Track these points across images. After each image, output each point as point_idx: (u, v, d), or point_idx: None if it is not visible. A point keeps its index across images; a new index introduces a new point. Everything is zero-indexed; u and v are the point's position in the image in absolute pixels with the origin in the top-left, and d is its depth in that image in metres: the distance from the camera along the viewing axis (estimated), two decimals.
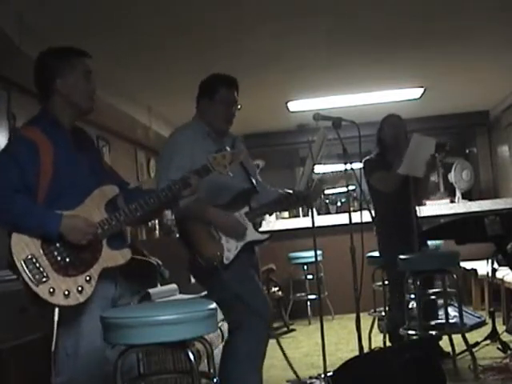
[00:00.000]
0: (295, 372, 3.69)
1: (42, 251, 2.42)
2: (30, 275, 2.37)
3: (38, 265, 2.39)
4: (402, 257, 4.29)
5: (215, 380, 2.47)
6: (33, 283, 2.37)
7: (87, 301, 2.46)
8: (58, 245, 2.44)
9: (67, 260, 2.45)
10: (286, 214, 8.06)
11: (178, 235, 3.43)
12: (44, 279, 2.38)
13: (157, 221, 6.51)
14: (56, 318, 2.43)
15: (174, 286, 4.70)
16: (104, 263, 2.51)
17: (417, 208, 4.67)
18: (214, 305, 2.38)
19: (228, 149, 2.87)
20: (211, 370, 2.54)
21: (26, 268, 2.37)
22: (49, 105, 2.61)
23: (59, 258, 2.44)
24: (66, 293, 2.40)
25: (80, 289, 2.42)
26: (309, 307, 7.19)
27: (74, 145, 2.60)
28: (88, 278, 2.46)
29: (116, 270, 2.62)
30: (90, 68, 2.66)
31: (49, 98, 2.61)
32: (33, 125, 2.58)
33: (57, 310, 2.43)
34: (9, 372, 3.21)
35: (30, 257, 2.39)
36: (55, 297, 2.38)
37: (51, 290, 2.38)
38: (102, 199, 2.57)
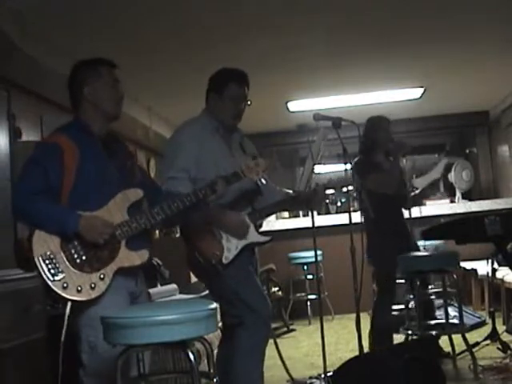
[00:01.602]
0: (289, 373, 3.69)
1: (60, 248, 2.56)
2: (45, 270, 2.52)
3: (54, 261, 2.53)
4: (402, 257, 4.29)
5: (215, 380, 2.47)
6: (47, 278, 2.52)
7: (109, 293, 2.57)
8: (75, 243, 2.57)
9: (83, 258, 2.57)
10: (286, 214, 8.06)
11: (179, 231, 3.43)
12: (59, 274, 2.52)
13: None
14: (67, 311, 2.59)
15: (173, 286, 4.70)
16: (120, 263, 2.61)
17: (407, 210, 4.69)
18: (214, 305, 2.38)
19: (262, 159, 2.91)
20: (211, 370, 2.54)
21: (42, 263, 2.52)
22: (80, 112, 2.74)
23: (76, 256, 2.57)
24: (79, 288, 2.53)
25: (93, 285, 2.55)
26: (309, 307, 7.19)
27: (102, 149, 2.71)
28: (102, 276, 2.57)
29: (138, 269, 2.71)
30: (117, 77, 2.79)
31: (80, 106, 2.74)
32: (60, 131, 2.72)
33: (69, 304, 2.58)
34: (9, 372, 3.21)
35: (48, 253, 2.53)
36: (68, 291, 2.52)
37: (65, 284, 2.52)
38: (124, 202, 2.67)
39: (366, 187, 4.51)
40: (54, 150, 2.60)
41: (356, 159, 4.60)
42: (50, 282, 2.52)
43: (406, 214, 4.68)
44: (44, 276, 2.52)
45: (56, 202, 2.60)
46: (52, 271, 2.52)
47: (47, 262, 2.52)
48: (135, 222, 2.64)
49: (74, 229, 2.54)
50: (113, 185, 2.67)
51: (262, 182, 2.97)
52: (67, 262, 2.55)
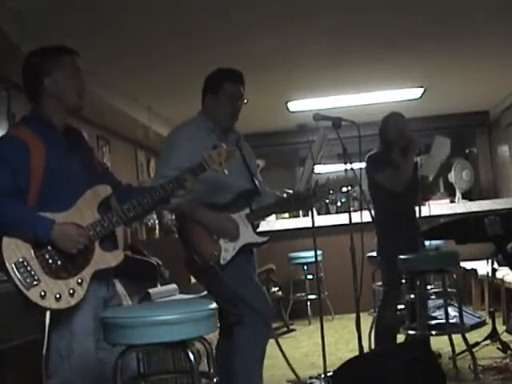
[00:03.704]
0: (295, 373, 3.70)
1: (33, 254, 2.39)
2: (20, 279, 2.34)
3: (29, 268, 2.37)
4: (402, 257, 4.29)
5: (215, 380, 2.47)
6: (24, 287, 2.35)
7: (79, 302, 2.44)
8: (49, 248, 2.42)
9: (59, 263, 2.42)
10: (285, 214, 8.06)
11: (177, 232, 3.43)
12: (35, 282, 2.36)
13: (157, 221, 6.51)
14: (47, 321, 2.38)
15: (173, 286, 4.71)
16: (96, 265, 2.48)
17: (416, 208, 4.65)
18: (214, 305, 2.38)
19: (224, 145, 2.81)
20: (211, 370, 2.54)
21: (16, 271, 2.35)
22: (39, 105, 2.58)
23: (51, 261, 2.41)
24: (58, 296, 2.38)
25: (72, 292, 2.40)
26: (309, 307, 7.19)
27: (66, 145, 2.57)
28: (80, 281, 2.43)
29: (109, 271, 2.60)
30: (78, 65, 2.62)
31: (39, 98, 2.58)
32: (24, 125, 2.55)
33: (48, 313, 2.38)
34: (9, 372, 3.21)
35: (21, 260, 2.36)
36: (46, 300, 2.36)
37: (42, 293, 2.36)
38: (94, 200, 2.54)
39: (375, 183, 4.52)
40: (22, 148, 2.42)
41: (371, 153, 4.60)
42: (26, 292, 2.33)
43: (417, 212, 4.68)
44: (19, 285, 2.33)
45: (24, 203, 2.42)
46: (28, 280, 2.34)
47: (22, 270, 2.34)
48: (107, 221, 2.50)
49: (47, 236, 2.38)
50: (79, 181, 2.53)
51: (225, 173, 2.88)
52: (42, 269, 2.37)
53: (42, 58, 2.58)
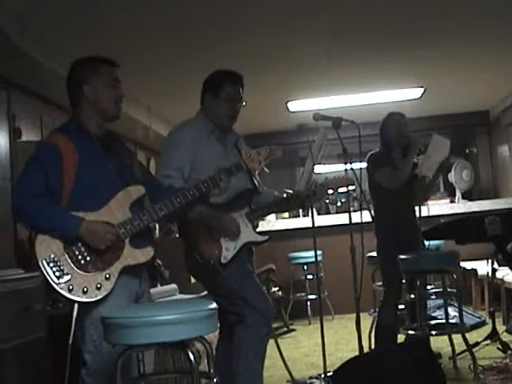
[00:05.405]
0: (291, 374, 3.70)
1: (63, 250, 2.55)
2: (50, 273, 2.51)
3: (59, 263, 2.53)
4: (402, 257, 4.29)
5: (215, 380, 2.47)
6: (53, 280, 2.51)
7: (113, 293, 2.56)
8: (79, 244, 2.56)
9: (87, 258, 2.56)
10: (285, 214, 8.06)
11: (178, 231, 3.44)
12: (64, 277, 2.52)
13: None
14: (75, 313, 2.57)
15: (173, 286, 4.70)
16: (125, 261, 2.60)
17: (416, 208, 4.64)
18: (214, 305, 2.38)
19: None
20: (211, 370, 2.54)
21: (46, 266, 2.52)
22: (77, 112, 2.72)
23: (80, 257, 2.56)
24: (85, 289, 2.52)
25: (99, 286, 2.54)
26: (309, 307, 7.20)
27: (101, 149, 2.69)
28: (108, 276, 2.56)
29: (140, 267, 2.70)
30: (117, 76, 2.76)
31: (78, 105, 2.72)
32: (58, 131, 2.71)
33: (76, 305, 2.57)
34: (9, 372, 3.21)
35: (52, 256, 2.52)
36: (74, 293, 2.52)
37: (70, 286, 2.52)
38: (126, 200, 2.65)
39: (374, 181, 4.50)
40: (55, 152, 2.57)
41: (371, 152, 4.59)
42: (55, 285, 2.51)
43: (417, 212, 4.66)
44: (49, 279, 2.51)
45: (56, 204, 2.58)
46: (57, 274, 2.51)
47: (51, 264, 2.51)
48: (138, 220, 2.62)
49: (75, 233, 2.53)
50: (112, 184, 2.65)
51: (266, 171, 2.92)
52: (72, 264, 2.54)
53: (83, 67, 2.73)
